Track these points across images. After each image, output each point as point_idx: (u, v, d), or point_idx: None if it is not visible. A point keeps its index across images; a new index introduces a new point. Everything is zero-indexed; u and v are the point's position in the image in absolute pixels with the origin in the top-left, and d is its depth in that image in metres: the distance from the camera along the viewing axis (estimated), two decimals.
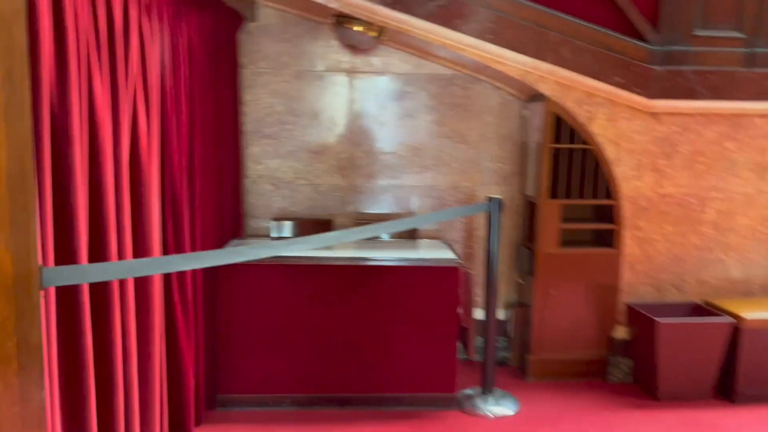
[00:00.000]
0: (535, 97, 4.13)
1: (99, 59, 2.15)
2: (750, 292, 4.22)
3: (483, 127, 4.40)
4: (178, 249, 2.98)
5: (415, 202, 4.44)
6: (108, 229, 2.16)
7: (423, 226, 4.23)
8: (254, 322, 3.57)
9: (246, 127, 4.30)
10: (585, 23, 3.89)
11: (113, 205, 2.20)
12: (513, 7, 3.81)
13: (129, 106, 2.37)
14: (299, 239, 2.49)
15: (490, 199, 3.65)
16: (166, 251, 2.86)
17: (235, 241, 4.03)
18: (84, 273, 1.79)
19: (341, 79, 4.31)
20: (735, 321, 3.79)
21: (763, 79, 3.95)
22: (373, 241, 4.15)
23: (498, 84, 4.35)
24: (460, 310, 3.69)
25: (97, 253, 2.14)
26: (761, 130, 4.07)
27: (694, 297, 4.19)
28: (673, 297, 4.18)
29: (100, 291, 2.17)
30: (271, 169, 4.35)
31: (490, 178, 4.44)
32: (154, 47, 2.63)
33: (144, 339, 2.53)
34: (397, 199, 4.43)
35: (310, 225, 4.33)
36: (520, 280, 4.40)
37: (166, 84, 2.86)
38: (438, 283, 3.59)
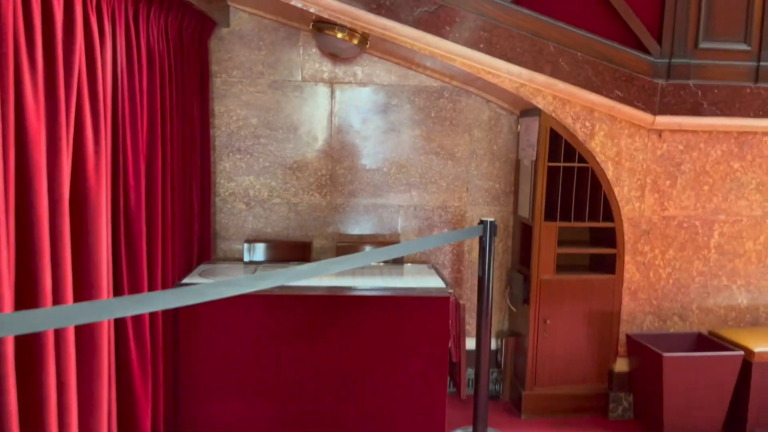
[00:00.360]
0: (529, 111, 3.85)
1: (32, 60, 1.79)
2: (757, 321, 3.96)
3: (473, 143, 4.10)
4: (133, 284, 2.62)
5: (400, 223, 4.12)
6: (41, 266, 1.80)
7: (412, 253, 3.90)
8: (222, 359, 3.20)
9: (217, 141, 3.95)
10: (584, 33, 3.62)
11: (47, 236, 1.83)
12: (508, 14, 3.53)
13: (71, 118, 2.01)
14: (268, 274, 2.15)
15: (484, 222, 3.34)
16: (118, 287, 2.49)
17: (204, 266, 3.66)
18: (1, 324, 1.43)
19: (321, 89, 3.99)
20: (745, 354, 3.51)
21: None
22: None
23: (489, 97, 4.06)
24: (450, 344, 3.36)
25: (28, 297, 1.78)
26: None
27: (699, 326, 3.92)
28: (677, 326, 3.91)
29: (29, 338, 1.80)
30: (243, 187, 4.00)
31: (480, 198, 4.13)
32: (104, 49, 2.28)
33: (88, 390, 2.16)
34: (381, 219, 4.10)
35: (286, 248, 3.98)
36: (513, 308, 4.09)
37: (121, 92, 2.51)
38: (427, 314, 3.26)
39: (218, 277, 3.42)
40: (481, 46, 3.50)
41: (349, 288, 3.26)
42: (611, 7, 3.66)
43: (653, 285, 3.86)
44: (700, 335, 3.84)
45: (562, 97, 3.64)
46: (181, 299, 1.77)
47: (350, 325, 3.25)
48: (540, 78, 3.58)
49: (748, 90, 3.70)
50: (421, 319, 3.27)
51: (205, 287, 1.87)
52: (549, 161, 3.71)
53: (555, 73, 3.58)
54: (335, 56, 3.90)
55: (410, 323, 3.27)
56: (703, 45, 3.70)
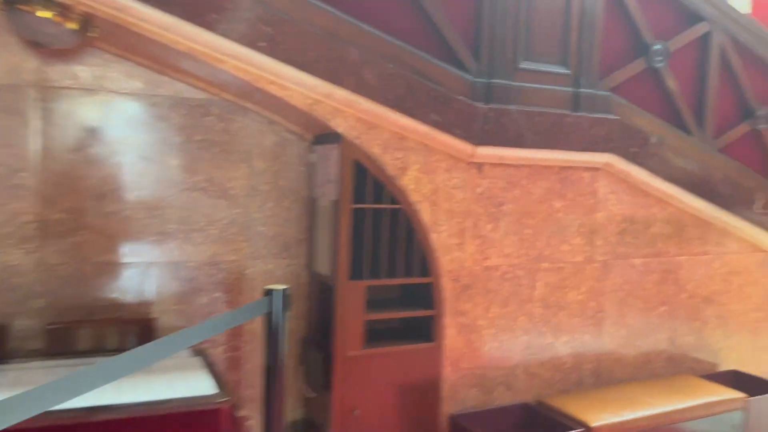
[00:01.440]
0: (327, 136, 2.96)
1: None
2: (581, 381, 3.50)
3: (253, 177, 3.09)
4: None
5: (151, 287, 2.94)
6: None
7: (173, 353, 2.63)
8: None
9: None
10: (394, 40, 2.85)
11: None
12: (297, 6, 2.61)
13: None
14: None
15: (271, 293, 2.34)
16: None
17: None
18: None
19: (22, 95, 2.68)
20: (584, 430, 2.98)
21: (592, 125, 3.29)
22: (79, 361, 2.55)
23: (273, 116, 3.10)
24: None
25: None
26: (589, 187, 3.41)
27: (525, 394, 3.33)
28: (503, 397, 3.28)
29: None
30: None
31: (265, 249, 3.13)
32: None
33: None
34: (123, 283, 2.89)
35: None
36: (309, 393, 3.13)
37: None
38: None
39: None
40: (262, 44, 2.53)
41: (65, 411, 2.02)
42: (424, 12, 2.94)
43: (476, 351, 3.19)
44: (528, 406, 3.26)
45: (368, 119, 2.82)
46: None
47: None
48: (340, 93, 2.72)
49: (569, 119, 3.24)
50: None
51: None
52: (354, 202, 2.85)
53: (359, 88, 2.74)
54: (43, 47, 2.63)
55: None
56: (523, 65, 3.16)
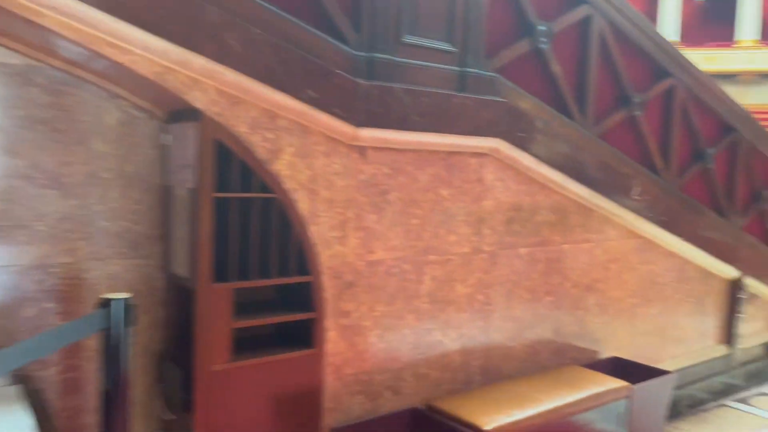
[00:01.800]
0: (183, 113, 2.51)
1: None
2: (470, 379, 3.31)
3: (93, 161, 2.56)
4: None
5: None
6: None
7: None
8: None
9: None
10: (262, 2, 2.45)
11: None
12: None
13: None
14: None
15: (109, 303, 1.89)
16: None
17: None
18: None
19: None
20: None
21: (479, 107, 3.09)
22: None
23: (116, 89, 2.58)
24: None
25: None
26: (476, 174, 3.21)
27: (413, 398, 3.08)
28: (390, 403, 3.00)
29: None
30: None
31: (109, 248, 2.61)
32: None
33: None
34: None
35: None
36: (167, 415, 2.67)
37: None
38: None
39: None
40: None
41: None
42: None
43: (361, 354, 2.89)
44: (416, 411, 3.01)
45: (232, 93, 2.41)
46: None
47: None
48: (197, 61, 2.29)
49: (456, 100, 3.02)
50: None
51: None
52: (217, 190, 2.43)
53: (220, 56, 2.33)
54: None
55: None
56: (407, 39, 2.88)
